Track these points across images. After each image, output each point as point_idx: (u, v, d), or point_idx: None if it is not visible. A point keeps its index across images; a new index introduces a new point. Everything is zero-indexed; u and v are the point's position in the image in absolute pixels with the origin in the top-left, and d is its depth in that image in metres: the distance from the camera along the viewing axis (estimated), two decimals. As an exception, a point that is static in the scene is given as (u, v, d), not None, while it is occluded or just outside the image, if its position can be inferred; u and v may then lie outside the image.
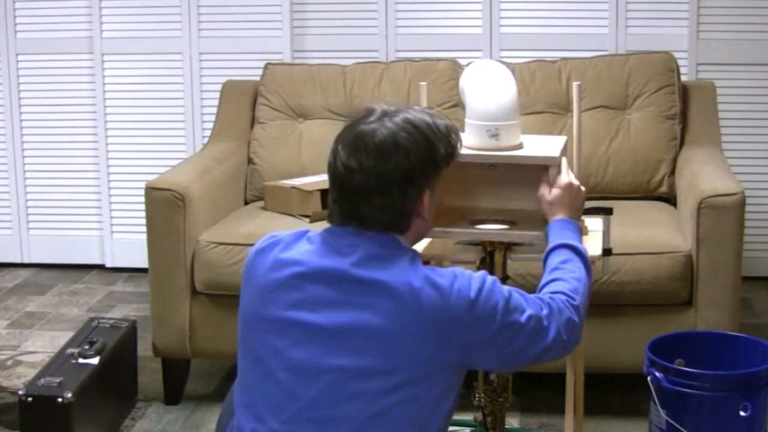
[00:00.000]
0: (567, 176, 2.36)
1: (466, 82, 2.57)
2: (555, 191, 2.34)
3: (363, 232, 1.98)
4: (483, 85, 2.52)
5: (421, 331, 1.90)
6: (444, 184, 2.57)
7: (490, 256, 2.60)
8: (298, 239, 2.03)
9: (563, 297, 2.08)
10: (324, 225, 2.08)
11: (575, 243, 2.22)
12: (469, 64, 3.96)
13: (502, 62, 4.00)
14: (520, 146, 2.51)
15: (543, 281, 2.16)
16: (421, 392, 1.92)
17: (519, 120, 2.51)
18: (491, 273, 2.61)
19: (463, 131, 2.55)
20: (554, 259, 2.19)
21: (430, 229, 2.15)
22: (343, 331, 1.91)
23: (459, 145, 2.09)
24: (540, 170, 2.45)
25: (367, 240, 1.97)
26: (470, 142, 2.50)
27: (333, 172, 2.02)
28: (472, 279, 1.96)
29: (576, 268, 2.16)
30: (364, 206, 1.97)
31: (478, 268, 2.63)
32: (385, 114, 2.01)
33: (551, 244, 2.23)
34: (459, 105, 2.73)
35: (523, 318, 1.98)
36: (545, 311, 2.02)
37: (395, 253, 1.97)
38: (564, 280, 2.12)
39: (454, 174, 2.45)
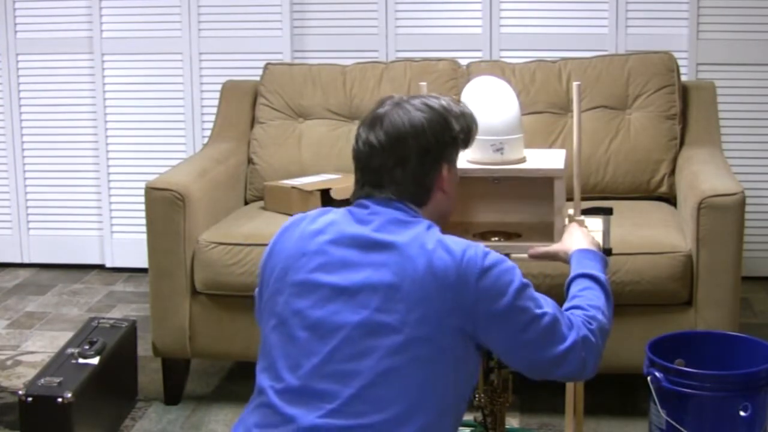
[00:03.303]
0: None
1: (468, 98, 2.59)
2: (567, 232, 2.43)
3: (385, 201, 2.08)
4: (486, 101, 2.54)
5: (429, 289, 1.96)
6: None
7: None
8: (323, 213, 2.14)
9: (579, 319, 2.10)
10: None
11: (594, 272, 2.24)
12: (469, 68, 3.98)
13: (502, 62, 4.01)
14: (523, 160, 2.53)
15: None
16: (431, 355, 1.96)
17: (522, 134, 2.53)
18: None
19: None
20: (573, 288, 2.23)
21: (453, 208, 2.22)
22: (358, 288, 1.98)
23: (474, 126, 2.20)
24: (543, 183, 2.47)
25: (388, 208, 2.07)
26: (475, 157, 2.52)
27: (356, 153, 2.12)
28: (489, 254, 2.01)
29: (594, 297, 2.19)
30: (386, 179, 2.08)
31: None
32: (402, 99, 2.14)
33: (571, 274, 2.27)
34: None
35: (538, 311, 2.02)
36: (565, 320, 2.06)
37: (414, 220, 2.06)
38: (581, 307, 2.15)
39: (459, 189, 2.47)
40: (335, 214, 2.11)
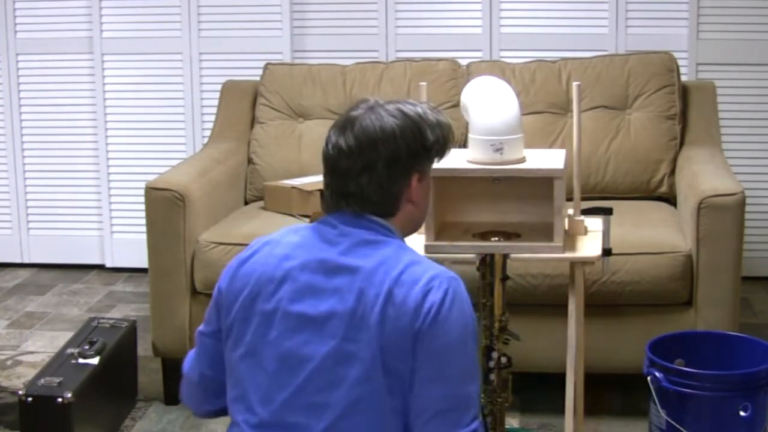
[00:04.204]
0: None
1: (468, 98, 2.59)
2: None
3: (353, 219, 2.01)
4: (486, 101, 2.54)
5: (387, 316, 1.90)
6: (447, 200, 2.59)
7: (490, 256, 2.61)
8: (288, 234, 2.06)
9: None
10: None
11: None
12: (469, 68, 3.99)
13: (502, 62, 4.01)
14: (523, 160, 2.53)
15: None
16: (400, 381, 1.91)
17: (522, 134, 2.53)
18: (491, 273, 2.63)
19: (466, 146, 2.57)
20: None
21: (424, 219, 2.15)
22: (325, 317, 1.94)
23: (451, 137, 2.10)
24: (543, 183, 2.47)
25: (356, 228, 2.00)
26: (475, 157, 2.52)
27: (324, 155, 2.05)
28: (453, 302, 1.91)
29: None
30: (353, 185, 1.99)
31: (478, 268, 2.64)
32: (377, 103, 2.06)
33: None
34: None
35: (469, 379, 1.93)
36: (477, 409, 1.97)
37: (383, 240, 1.99)
38: None
39: (458, 189, 2.48)
40: (300, 235, 2.04)
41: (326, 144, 2.05)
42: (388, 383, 1.90)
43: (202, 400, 2.15)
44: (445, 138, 2.07)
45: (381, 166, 1.99)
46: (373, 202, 2.00)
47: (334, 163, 2.02)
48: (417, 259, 1.97)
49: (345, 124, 2.03)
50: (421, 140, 2.02)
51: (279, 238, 2.06)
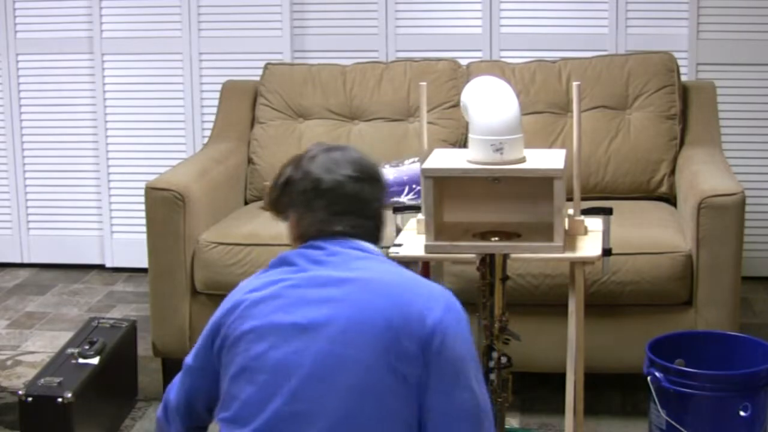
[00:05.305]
0: None
1: (468, 98, 2.59)
2: None
3: (343, 241, 2.06)
4: (486, 101, 2.54)
5: (382, 330, 1.91)
6: (447, 200, 2.59)
7: (490, 256, 2.61)
8: (266, 272, 2.08)
9: None
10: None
11: None
12: (469, 68, 3.99)
13: (502, 62, 4.01)
14: (523, 160, 2.53)
15: None
16: (395, 389, 1.90)
17: (522, 134, 2.53)
18: (491, 273, 2.63)
19: (466, 146, 2.57)
20: None
21: None
22: (318, 325, 1.93)
23: None
24: (543, 183, 2.47)
25: (348, 248, 2.05)
26: (475, 157, 2.52)
27: (340, 188, 2.08)
28: (463, 324, 1.97)
29: None
30: (370, 211, 2.10)
31: (478, 268, 2.64)
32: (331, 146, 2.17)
33: None
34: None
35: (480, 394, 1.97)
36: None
37: (374, 256, 2.06)
38: None
39: (458, 189, 2.47)
40: (283, 267, 2.05)
41: (334, 177, 2.07)
42: (395, 389, 1.90)
43: (174, 422, 2.27)
44: None
45: (384, 195, 2.14)
46: (379, 227, 2.12)
47: (355, 193, 2.08)
48: (411, 273, 2.04)
49: (356, 162, 2.11)
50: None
51: (259, 274, 2.08)
